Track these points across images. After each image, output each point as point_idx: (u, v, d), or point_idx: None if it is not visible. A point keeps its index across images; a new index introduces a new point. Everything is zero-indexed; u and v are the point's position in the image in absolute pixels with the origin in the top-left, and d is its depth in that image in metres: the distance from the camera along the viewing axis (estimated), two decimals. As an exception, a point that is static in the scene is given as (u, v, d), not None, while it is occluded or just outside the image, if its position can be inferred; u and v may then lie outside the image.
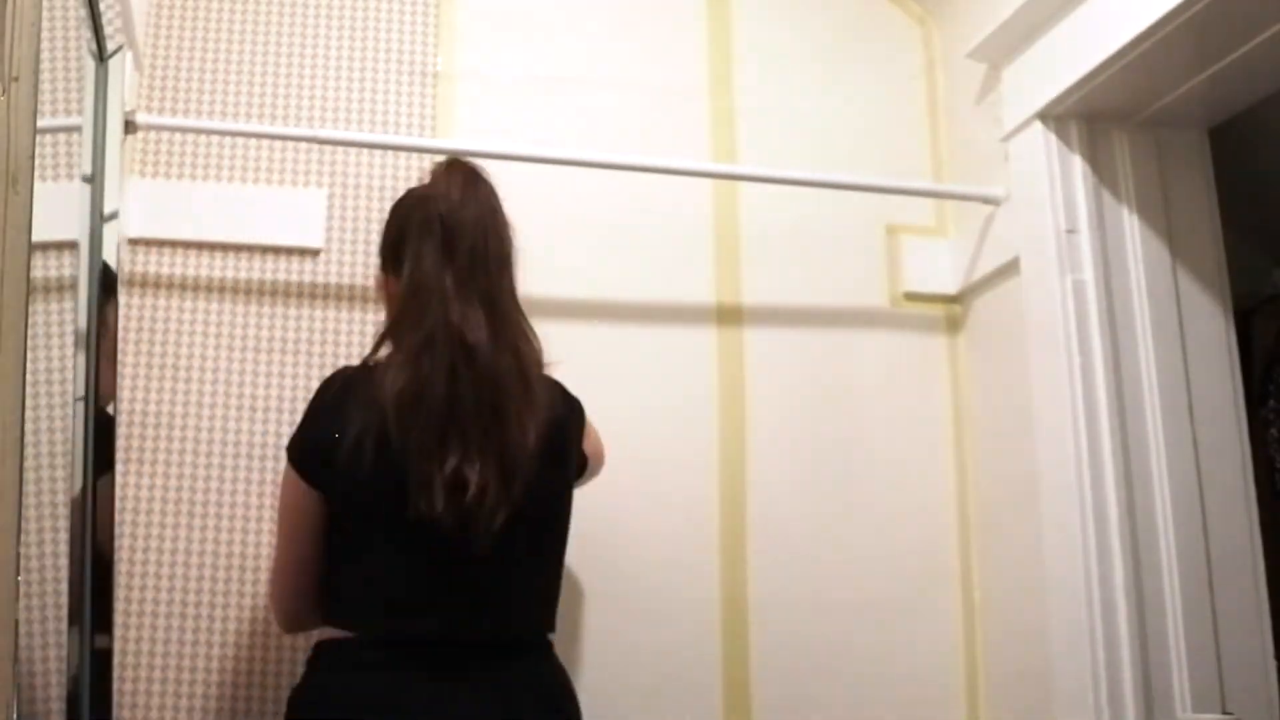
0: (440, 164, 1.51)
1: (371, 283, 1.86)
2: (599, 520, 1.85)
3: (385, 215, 1.88)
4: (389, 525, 1.33)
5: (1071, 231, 1.77)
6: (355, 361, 1.82)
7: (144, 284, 1.79)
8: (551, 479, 1.42)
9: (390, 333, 1.43)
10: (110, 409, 1.51)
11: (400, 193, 1.89)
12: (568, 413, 1.48)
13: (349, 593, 1.37)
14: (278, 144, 1.88)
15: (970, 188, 1.98)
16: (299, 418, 1.78)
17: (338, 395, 1.41)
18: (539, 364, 1.44)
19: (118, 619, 1.64)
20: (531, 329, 1.46)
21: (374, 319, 1.84)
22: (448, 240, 1.41)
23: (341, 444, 1.34)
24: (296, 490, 1.40)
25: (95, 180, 1.55)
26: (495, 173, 1.90)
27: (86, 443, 1.45)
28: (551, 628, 1.45)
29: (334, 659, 1.36)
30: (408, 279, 1.42)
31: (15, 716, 0.82)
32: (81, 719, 1.40)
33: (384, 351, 1.44)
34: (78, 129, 1.49)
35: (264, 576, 1.71)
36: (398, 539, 1.33)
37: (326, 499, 1.38)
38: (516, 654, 1.37)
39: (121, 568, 1.68)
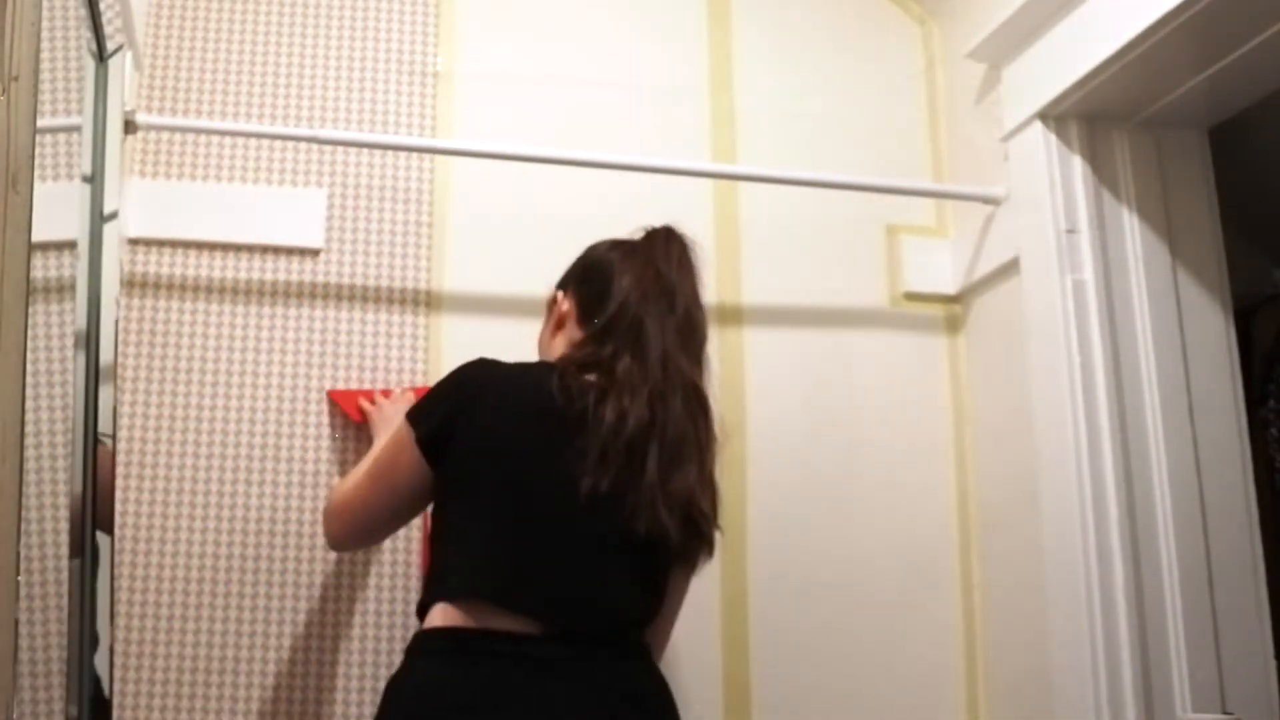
0: (658, 233, 1.55)
1: (375, 283, 1.86)
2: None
3: (385, 215, 1.89)
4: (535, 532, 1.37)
5: (1071, 231, 1.77)
6: (356, 361, 1.82)
7: (144, 284, 1.79)
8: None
9: (600, 354, 1.46)
10: (110, 409, 1.51)
11: (400, 192, 1.90)
12: None
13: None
14: (278, 144, 1.88)
15: (970, 188, 1.98)
16: (301, 417, 1.79)
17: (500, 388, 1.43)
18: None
19: (118, 619, 1.64)
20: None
21: (374, 318, 1.85)
22: (667, 299, 1.47)
23: (510, 444, 1.38)
24: (415, 456, 1.42)
25: (95, 180, 1.55)
26: (495, 173, 1.92)
27: (86, 443, 1.45)
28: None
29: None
30: (618, 307, 1.47)
31: (15, 716, 0.82)
32: (82, 718, 1.40)
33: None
34: (78, 129, 1.49)
35: (264, 576, 1.72)
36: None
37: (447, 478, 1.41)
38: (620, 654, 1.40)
39: (122, 568, 1.68)
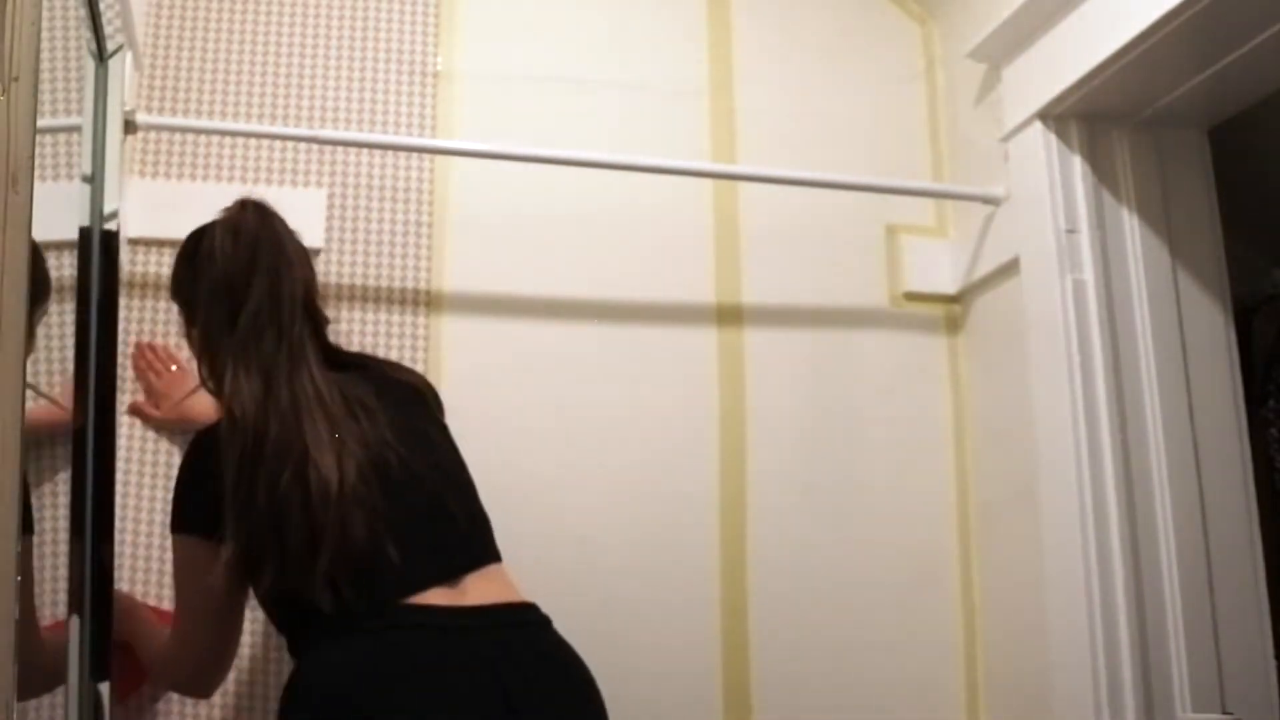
0: (230, 211, 1.51)
1: (375, 283, 1.86)
2: (599, 519, 1.85)
3: (385, 215, 1.89)
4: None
5: (1071, 231, 1.77)
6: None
7: (144, 284, 1.79)
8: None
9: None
10: (111, 409, 1.50)
11: (400, 192, 1.90)
12: None
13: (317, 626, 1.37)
14: (278, 144, 1.88)
15: (970, 188, 1.98)
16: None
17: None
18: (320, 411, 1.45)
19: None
20: (321, 373, 1.49)
21: (374, 318, 1.85)
22: (234, 306, 1.45)
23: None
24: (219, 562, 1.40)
25: (95, 180, 1.54)
26: (495, 173, 1.92)
27: (87, 443, 1.45)
28: None
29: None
30: (201, 347, 1.48)
31: (15, 716, 0.82)
32: (81, 716, 1.40)
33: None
34: (78, 129, 1.49)
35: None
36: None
37: None
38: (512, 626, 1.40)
39: (122, 569, 1.68)
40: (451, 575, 1.36)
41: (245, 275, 1.45)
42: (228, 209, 1.51)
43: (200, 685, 1.52)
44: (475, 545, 1.43)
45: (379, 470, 1.37)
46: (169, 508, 1.70)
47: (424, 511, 1.40)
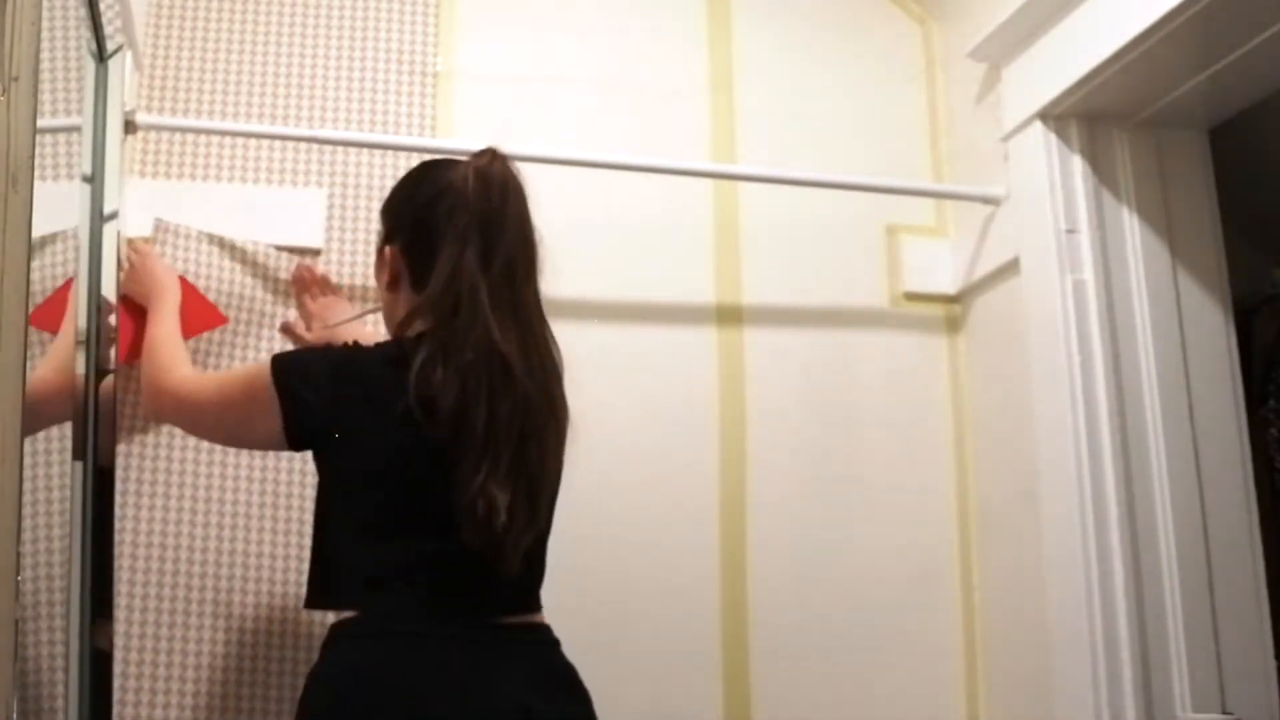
0: (482, 158, 1.44)
1: (368, 283, 1.86)
2: (599, 520, 1.85)
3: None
4: (421, 524, 1.33)
5: (1071, 231, 1.77)
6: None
7: (144, 284, 1.79)
8: (556, 490, 1.43)
9: (433, 330, 1.36)
10: (110, 408, 1.51)
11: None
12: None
13: (374, 575, 1.33)
14: (278, 144, 1.88)
15: (970, 188, 1.98)
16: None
17: (374, 370, 1.36)
18: (560, 380, 1.43)
19: (118, 618, 1.64)
20: (554, 340, 1.44)
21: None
22: (486, 248, 1.39)
23: (377, 431, 1.33)
24: (273, 419, 1.36)
25: (95, 180, 1.55)
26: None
27: (86, 442, 1.45)
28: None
29: (358, 634, 1.33)
30: (445, 277, 1.37)
31: (15, 716, 0.82)
32: (82, 719, 1.40)
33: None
34: (78, 129, 1.49)
35: (265, 575, 1.71)
36: (429, 544, 1.32)
37: (326, 461, 1.38)
38: (531, 644, 1.39)
39: (122, 568, 1.68)
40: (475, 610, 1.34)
41: (497, 218, 1.40)
42: (475, 154, 1.45)
43: (153, 411, 1.63)
44: (517, 598, 1.38)
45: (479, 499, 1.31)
46: (168, 504, 1.71)
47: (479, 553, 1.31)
